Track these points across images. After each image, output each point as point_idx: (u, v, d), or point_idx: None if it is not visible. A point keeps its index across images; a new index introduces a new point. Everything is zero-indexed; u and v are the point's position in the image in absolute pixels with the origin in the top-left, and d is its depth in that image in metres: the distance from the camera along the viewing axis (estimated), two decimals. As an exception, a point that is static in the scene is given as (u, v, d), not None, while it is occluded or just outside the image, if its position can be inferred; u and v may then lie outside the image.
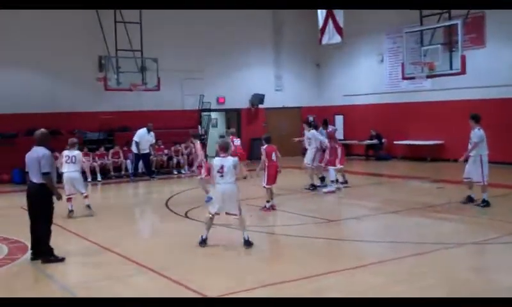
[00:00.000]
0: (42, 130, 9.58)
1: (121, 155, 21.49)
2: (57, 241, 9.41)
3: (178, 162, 22.43)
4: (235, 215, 9.62)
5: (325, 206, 13.03)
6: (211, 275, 8.12)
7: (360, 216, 12.46)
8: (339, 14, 19.85)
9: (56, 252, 9.10)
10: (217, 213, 9.69)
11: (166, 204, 14.61)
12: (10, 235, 10.87)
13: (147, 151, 20.88)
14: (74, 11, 21.40)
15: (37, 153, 9.09)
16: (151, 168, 21.18)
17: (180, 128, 22.95)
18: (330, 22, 20.13)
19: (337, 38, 20.10)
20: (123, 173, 21.29)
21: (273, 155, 13.32)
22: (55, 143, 20.52)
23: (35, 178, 9.07)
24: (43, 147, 9.20)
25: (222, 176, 9.51)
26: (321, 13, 20.35)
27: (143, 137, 20.73)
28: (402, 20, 21.75)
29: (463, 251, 9.28)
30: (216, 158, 9.84)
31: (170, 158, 22.32)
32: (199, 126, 24.84)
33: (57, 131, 20.89)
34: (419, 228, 11.25)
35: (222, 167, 9.51)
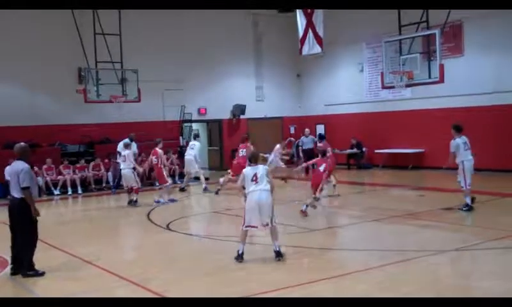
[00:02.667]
0: (22, 143, 9.50)
1: (102, 167, 21.34)
2: (38, 255, 9.29)
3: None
4: (267, 225, 9.36)
5: (309, 216, 13.01)
6: (195, 288, 8.07)
7: (343, 225, 12.48)
8: (319, 24, 19.97)
9: (37, 266, 8.99)
10: (252, 226, 9.42)
11: (148, 216, 14.52)
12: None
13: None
14: (53, 23, 21.35)
15: (17, 167, 9.00)
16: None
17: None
18: (310, 32, 20.24)
19: (317, 49, 20.22)
20: (104, 185, 21.14)
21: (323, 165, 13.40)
22: (35, 156, 20.47)
23: (16, 193, 8.98)
24: (22, 161, 9.11)
25: (257, 182, 9.38)
26: (301, 24, 20.46)
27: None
28: (381, 29, 21.91)
29: (446, 257, 9.32)
30: (247, 168, 9.82)
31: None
32: (180, 138, 24.77)
33: (37, 144, 20.75)
34: (402, 236, 11.29)
35: (255, 174, 9.43)
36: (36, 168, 19.98)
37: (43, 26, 21.39)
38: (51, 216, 16.76)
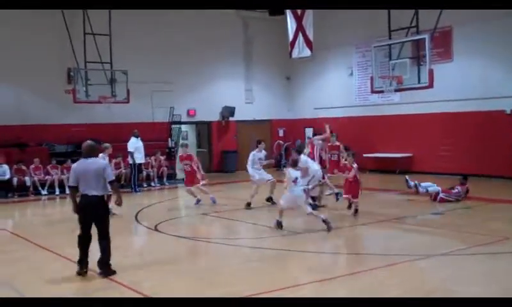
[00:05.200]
0: (89, 141, 9.07)
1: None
2: (26, 255, 9.24)
3: (148, 175, 22.27)
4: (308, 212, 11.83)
5: (294, 219, 13.03)
6: (182, 289, 8.07)
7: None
8: (309, 28, 20.00)
9: (25, 266, 8.92)
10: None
11: (136, 218, 14.49)
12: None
13: (143, 160, 20.75)
14: (43, 22, 21.27)
15: (97, 165, 8.74)
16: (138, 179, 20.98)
17: (150, 140, 22.76)
18: (300, 35, 20.27)
19: (307, 52, 20.24)
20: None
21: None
22: (22, 155, 20.43)
23: (95, 190, 8.64)
24: (94, 158, 8.89)
25: (296, 184, 11.70)
26: (291, 27, 20.49)
27: (136, 145, 20.54)
28: (371, 34, 22.03)
29: (432, 262, 9.37)
30: (292, 171, 11.86)
31: (140, 171, 22.11)
32: (169, 139, 24.75)
33: (25, 143, 20.69)
34: (388, 240, 11.34)
35: (297, 178, 11.76)
36: (24, 168, 19.95)
37: (33, 25, 21.31)
38: (39, 216, 16.72)
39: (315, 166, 14.00)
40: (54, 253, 10.48)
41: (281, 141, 25.68)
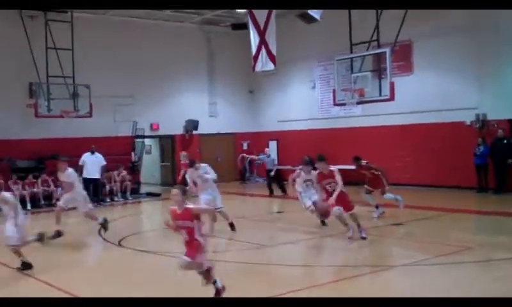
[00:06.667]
0: None
1: (51, 183, 20.90)
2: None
3: (111, 190, 22.06)
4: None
5: (261, 232, 13.09)
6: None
7: (295, 241, 12.59)
8: (272, 42, 20.14)
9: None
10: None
11: (99, 233, 14.32)
12: None
13: (96, 175, 20.31)
14: (3, 35, 21.00)
15: None
16: (100, 194, 20.67)
17: (113, 155, 22.56)
18: (263, 49, 20.40)
19: (270, 66, 20.36)
20: (54, 201, 20.72)
21: None
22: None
23: None
24: None
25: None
26: (254, 41, 20.59)
27: (87, 160, 20.24)
28: (333, 47, 22.28)
29: (396, 273, 9.50)
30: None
31: (103, 185, 21.89)
32: (132, 153, 24.59)
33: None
34: (353, 252, 11.45)
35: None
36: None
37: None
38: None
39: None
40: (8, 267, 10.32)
41: (245, 154, 25.78)
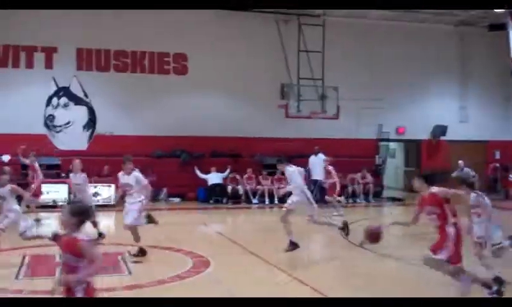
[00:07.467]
0: None
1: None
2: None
3: (354, 191, 22.11)
4: None
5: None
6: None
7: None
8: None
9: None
10: None
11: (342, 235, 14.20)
12: (195, 249, 11.36)
13: (319, 176, 20.38)
14: (260, 39, 22.34)
15: None
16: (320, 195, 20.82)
17: (355, 157, 22.76)
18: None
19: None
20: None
21: None
22: (235, 165, 21.67)
23: None
24: None
25: None
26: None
27: (311, 161, 20.13)
28: None
29: None
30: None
31: (345, 186, 21.79)
32: (376, 156, 24.49)
33: (239, 154, 21.85)
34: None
35: None
36: (237, 177, 21.13)
37: (253, 40, 22.45)
38: (250, 224, 17.32)
39: None
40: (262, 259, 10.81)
41: (497, 164, 24.01)
